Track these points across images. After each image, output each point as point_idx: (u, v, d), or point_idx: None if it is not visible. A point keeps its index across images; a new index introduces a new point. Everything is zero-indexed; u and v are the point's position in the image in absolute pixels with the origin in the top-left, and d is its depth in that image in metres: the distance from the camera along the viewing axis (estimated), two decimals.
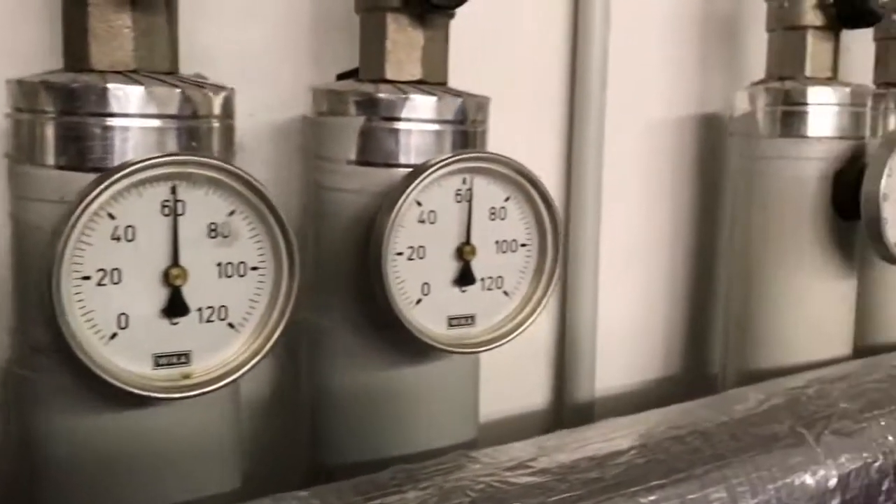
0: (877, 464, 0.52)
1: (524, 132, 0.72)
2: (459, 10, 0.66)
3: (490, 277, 0.49)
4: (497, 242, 0.49)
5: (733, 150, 0.75)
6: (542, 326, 0.75)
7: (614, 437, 0.47)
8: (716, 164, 0.81)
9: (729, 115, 0.75)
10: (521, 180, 0.48)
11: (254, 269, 0.42)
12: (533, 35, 0.71)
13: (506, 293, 0.50)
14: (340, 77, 0.58)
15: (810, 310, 0.70)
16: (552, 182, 0.74)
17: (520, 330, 0.50)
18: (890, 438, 0.53)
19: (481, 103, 0.53)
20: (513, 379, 0.75)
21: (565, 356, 0.75)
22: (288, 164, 0.60)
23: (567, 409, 0.75)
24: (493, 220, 0.49)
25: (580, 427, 0.50)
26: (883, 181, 0.64)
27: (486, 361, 0.73)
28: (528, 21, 0.71)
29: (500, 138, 0.71)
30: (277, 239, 0.42)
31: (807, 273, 0.70)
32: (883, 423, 0.54)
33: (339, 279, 0.51)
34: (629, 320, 0.80)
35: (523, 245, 0.50)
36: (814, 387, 0.56)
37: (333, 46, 0.61)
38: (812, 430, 0.51)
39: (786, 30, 0.71)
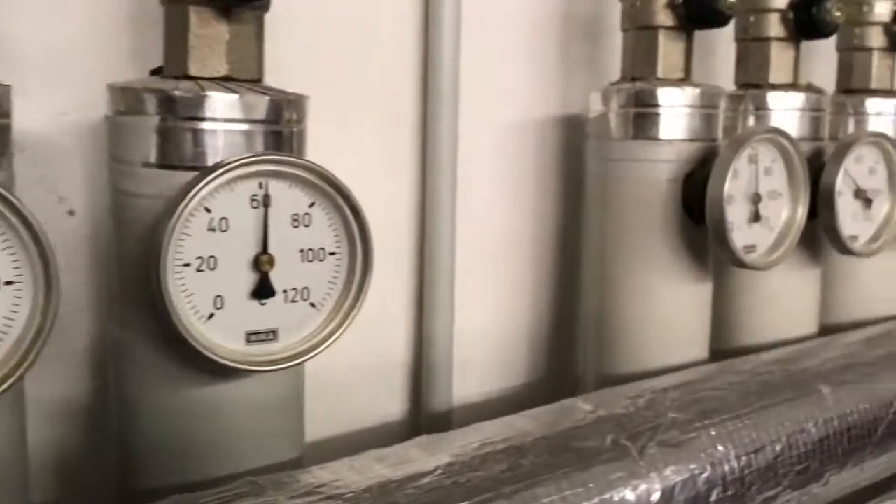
0: (704, 475, 0.51)
1: (376, 136, 0.69)
2: (304, 13, 0.63)
3: (294, 289, 0.46)
4: (302, 251, 0.46)
5: (589, 152, 0.73)
6: (397, 335, 0.73)
7: (424, 455, 0.44)
8: (579, 167, 0.80)
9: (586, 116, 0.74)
10: (323, 185, 0.45)
11: (8, 283, 0.38)
12: (384, 36, 0.69)
13: (313, 305, 0.47)
14: (153, 73, 0.54)
15: (663, 314, 0.69)
16: (406, 186, 0.71)
17: (328, 343, 0.47)
18: (720, 448, 0.52)
19: (295, 102, 0.50)
20: (367, 390, 0.72)
21: (422, 365, 0.73)
22: (100, 166, 0.56)
23: (424, 419, 0.73)
24: (296, 227, 0.46)
25: (395, 445, 0.48)
26: (727, 184, 0.63)
27: (338, 373, 0.70)
28: (379, 22, 0.68)
29: (351, 143, 0.69)
30: (32, 253, 0.38)
31: (659, 277, 0.69)
32: (713, 433, 0.52)
33: (138, 290, 0.47)
34: (491, 325, 0.78)
35: (332, 254, 0.47)
36: (647, 396, 0.54)
37: (155, 42, 0.57)
38: (636, 443, 0.49)
39: (638, 30, 0.70)
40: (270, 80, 0.53)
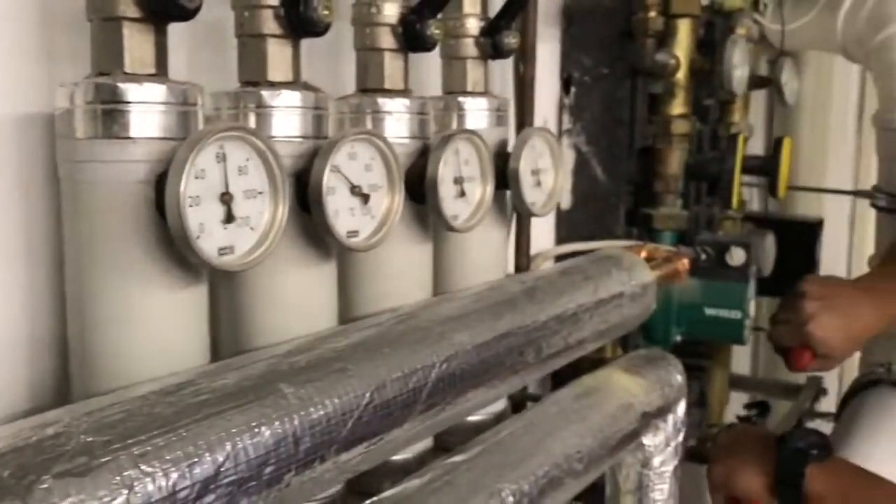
0: (117, 501, 0.47)
1: None
2: None
3: None
4: None
5: (59, 153, 0.67)
6: None
7: None
8: None
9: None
10: None
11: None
12: None
13: None
14: None
15: (149, 326, 0.65)
16: None
17: None
18: (144, 468, 0.48)
19: None
20: None
21: None
22: None
23: None
24: None
25: None
26: (184, 184, 0.60)
27: None
28: None
29: None
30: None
31: (139, 287, 0.64)
32: (137, 452, 0.49)
33: None
34: None
35: None
36: (64, 421, 0.49)
37: None
38: (25, 479, 0.44)
39: (102, 20, 0.65)
40: None
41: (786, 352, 1.40)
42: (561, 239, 1.45)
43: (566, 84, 1.39)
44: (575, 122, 1.40)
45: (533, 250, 1.35)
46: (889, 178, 1.79)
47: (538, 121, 1.36)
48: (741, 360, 2.41)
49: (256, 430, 0.55)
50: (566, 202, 1.43)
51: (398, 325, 0.73)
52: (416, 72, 1.06)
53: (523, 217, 1.25)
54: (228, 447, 0.53)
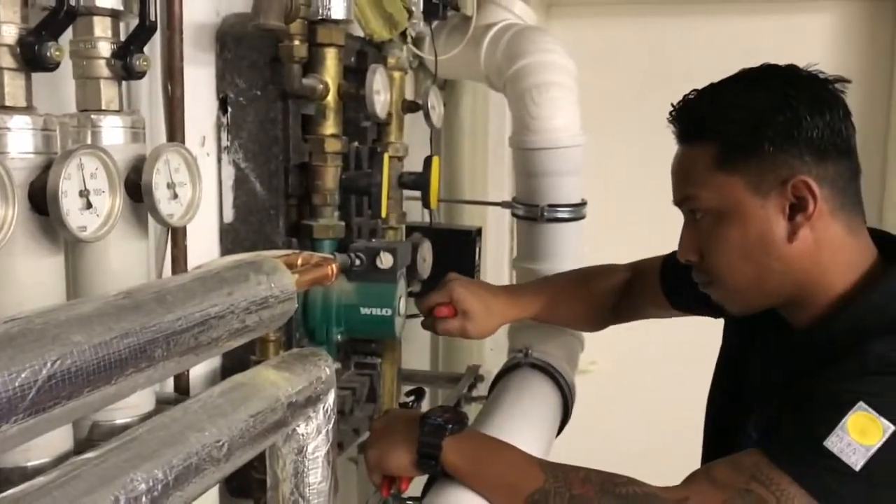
0: None
1: None
2: None
3: None
4: None
5: None
6: None
7: None
8: None
9: None
10: None
11: None
12: None
13: None
14: None
15: None
16: None
17: None
18: None
19: None
20: None
21: None
22: None
23: None
24: None
25: None
26: None
27: None
28: None
29: None
30: None
31: None
32: None
33: None
34: None
35: None
36: None
37: None
38: None
39: None
40: None
41: (430, 313, 1.59)
42: (226, 251, 1.53)
43: (223, 104, 1.48)
44: (233, 139, 1.49)
45: (198, 262, 1.42)
46: (524, 191, 2.08)
47: (196, 138, 1.44)
48: (423, 357, 2.64)
49: None
50: (228, 216, 1.52)
51: (11, 329, 0.77)
52: (59, 90, 1.10)
53: (178, 230, 1.31)
54: None
